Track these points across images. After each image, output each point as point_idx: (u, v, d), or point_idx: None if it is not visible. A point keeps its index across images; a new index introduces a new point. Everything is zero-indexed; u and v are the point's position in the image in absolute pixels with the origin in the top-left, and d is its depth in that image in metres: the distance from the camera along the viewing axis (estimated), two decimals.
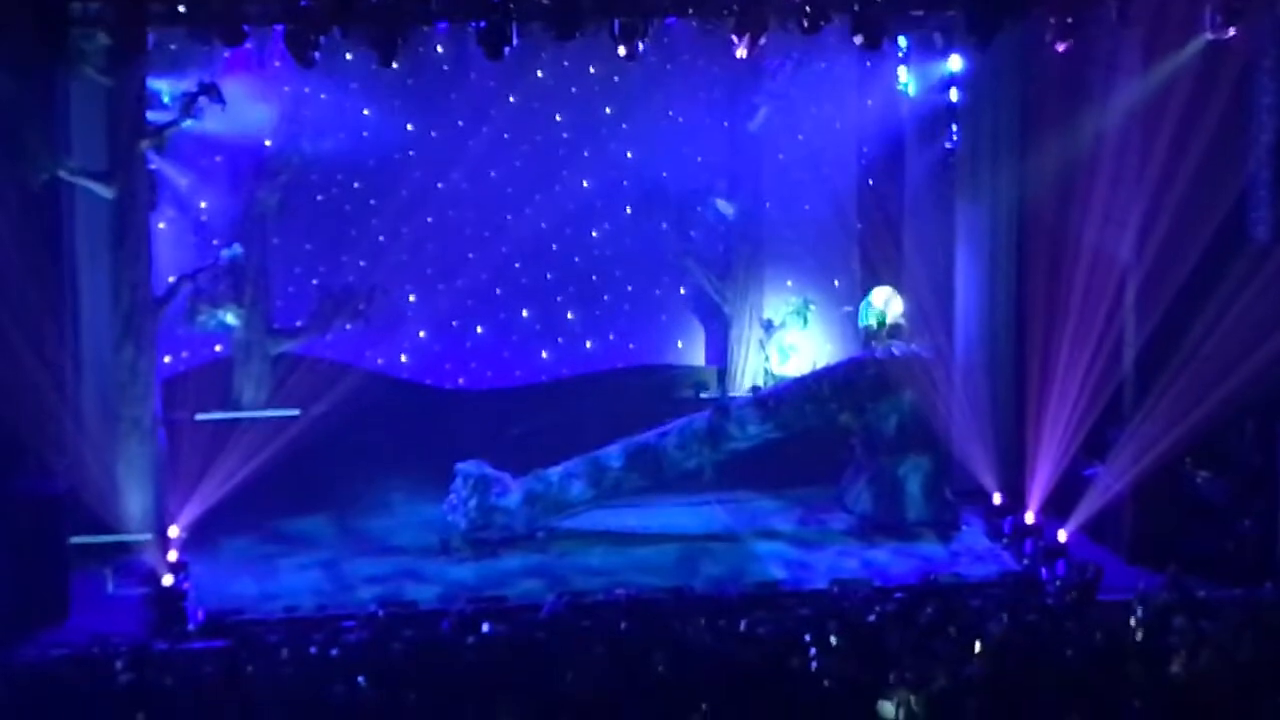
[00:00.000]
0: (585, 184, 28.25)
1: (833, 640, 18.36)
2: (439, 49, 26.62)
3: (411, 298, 27.94)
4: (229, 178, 26.67)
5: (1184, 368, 23.43)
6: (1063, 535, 24.38)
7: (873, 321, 26.86)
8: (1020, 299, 26.53)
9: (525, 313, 28.50)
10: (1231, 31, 22.67)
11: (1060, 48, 23.53)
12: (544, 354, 28.63)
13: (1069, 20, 23.12)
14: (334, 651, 19.04)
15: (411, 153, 27.64)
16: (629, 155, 28.36)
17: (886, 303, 26.89)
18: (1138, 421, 24.06)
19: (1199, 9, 22.88)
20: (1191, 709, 16.10)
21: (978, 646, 18.25)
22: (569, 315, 28.63)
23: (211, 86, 24.23)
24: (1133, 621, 19.50)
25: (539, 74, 27.60)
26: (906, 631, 19.05)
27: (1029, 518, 25.10)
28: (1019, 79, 26.14)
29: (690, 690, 17.21)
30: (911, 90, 27.22)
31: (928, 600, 20.71)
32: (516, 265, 28.30)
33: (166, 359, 26.07)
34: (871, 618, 19.62)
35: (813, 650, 18.30)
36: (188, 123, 24.51)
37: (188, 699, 17.75)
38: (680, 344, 29.19)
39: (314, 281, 27.58)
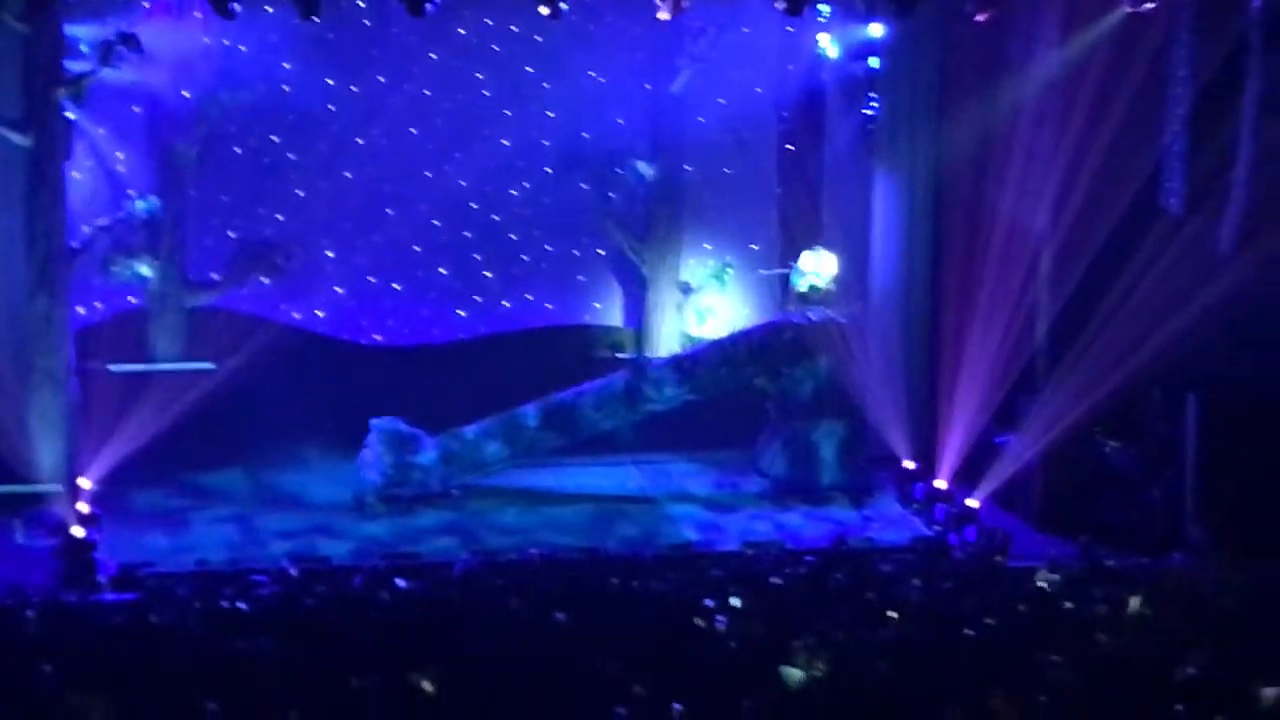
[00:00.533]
0: (505, 143, 28.14)
1: (736, 602, 18.39)
2: (360, 3, 26.52)
3: (329, 253, 27.81)
4: (146, 128, 26.53)
5: (1096, 338, 23.59)
6: (973, 502, 24.57)
7: (805, 287, 26.83)
8: (936, 267, 26.60)
9: (443, 270, 28.41)
10: (1150, 4, 22.85)
11: (980, 18, 23.67)
12: (461, 312, 28.55)
13: None
14: (244, 606, 18.99)
15: (331, 107, 27.48)
16: (550, 115, 28.27)
17: (819, 266, 26.92)
18: (1049, 391, 24.24)
19: None
20: (1109, 678, 16.19)
21: (894, 614, 18.31)
22: (487, 274, 28.55)
23: (130, 36, 24.02)
24: (1046, 589, 19.62)
25: (461, 31, 27.52)
26: (816, 594, 19.14)
27: (940, 484, 25.26)
28: (939, 48, 26.18)
29: (599, 650, 17.23)
30: (833, 56, 27.31)
31: (839, 564, 20.82)
32: (435, 223, 28.21)
33: (80, 310, 25.87)
34: (779, 580, 19.68)
35: (719, 614, 18.34)
36: (105, 72, 24.30)
37: (97, 651, 17.64)
38: (598, 305, 29.16)
39: (231, 234, 27.43)
